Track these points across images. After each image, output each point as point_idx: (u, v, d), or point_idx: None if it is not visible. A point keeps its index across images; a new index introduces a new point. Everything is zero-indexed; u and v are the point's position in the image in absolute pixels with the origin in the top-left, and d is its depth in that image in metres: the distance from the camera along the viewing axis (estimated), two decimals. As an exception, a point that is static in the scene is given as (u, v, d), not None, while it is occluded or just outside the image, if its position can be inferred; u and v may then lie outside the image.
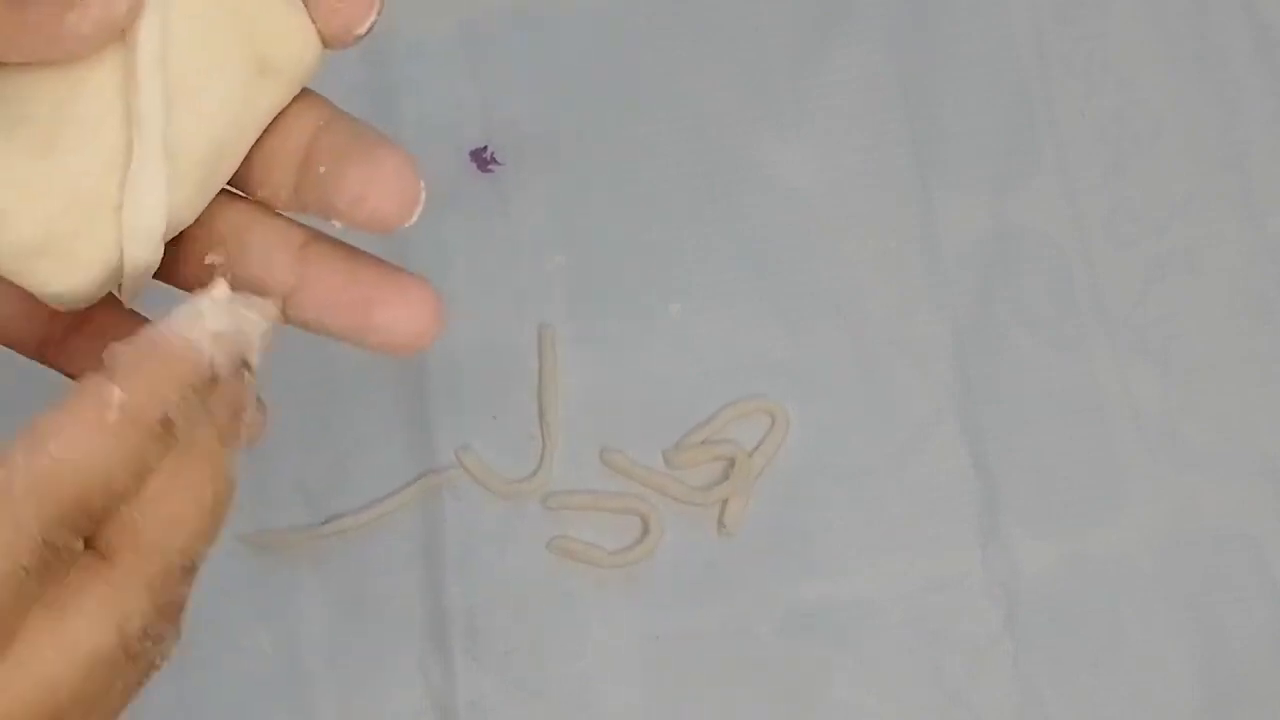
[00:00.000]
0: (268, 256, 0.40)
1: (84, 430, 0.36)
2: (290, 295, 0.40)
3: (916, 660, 0.66)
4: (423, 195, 0.38)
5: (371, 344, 0.39)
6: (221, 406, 0.37)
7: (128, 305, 0.40)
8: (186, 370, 0.36)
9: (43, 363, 0.42)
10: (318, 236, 0.40)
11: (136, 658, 0.37)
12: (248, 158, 0.39)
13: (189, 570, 0.37)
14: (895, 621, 0.66)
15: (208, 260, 0.40)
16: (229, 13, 0.37)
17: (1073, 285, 0.69)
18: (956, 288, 0.69)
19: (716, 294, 0.69)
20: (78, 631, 0.36)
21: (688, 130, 0.70)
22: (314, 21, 0.38)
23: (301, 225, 0.40)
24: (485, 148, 0.69)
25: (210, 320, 0.37)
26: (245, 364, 0.38)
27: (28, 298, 0.39)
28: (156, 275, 0.40)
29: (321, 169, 0.38)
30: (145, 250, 0.38)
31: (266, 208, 0.40)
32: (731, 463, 0.66)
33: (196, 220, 0.39)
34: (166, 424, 0.36)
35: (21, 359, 0.44)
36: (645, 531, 0.66)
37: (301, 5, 0.38)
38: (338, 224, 0.38)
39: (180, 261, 0.40)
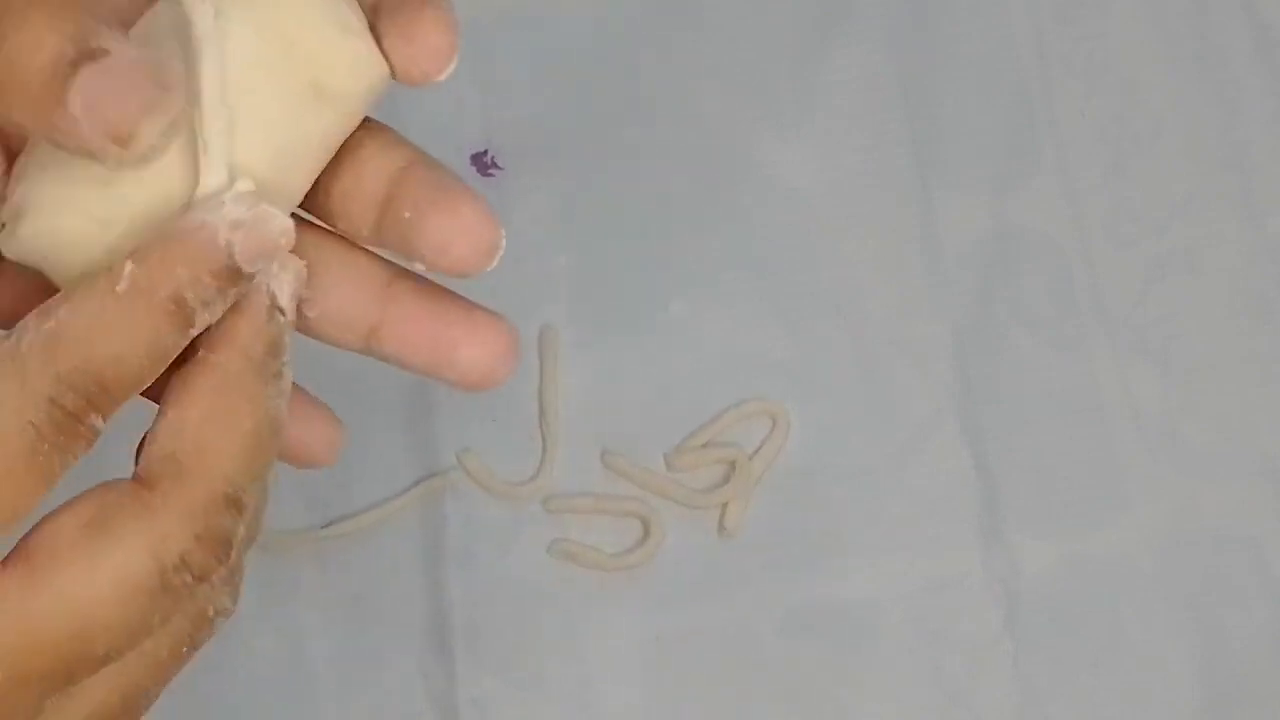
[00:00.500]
0: (353, 291, 0.41)
1: (92, 297, 0.36)
2: (373, 330, 0.41)
3: (916, 660, 0.66)
4: (503, 243, 0.39)
5: (449, 380, 0.41)
6: (256, 342, 0.38)
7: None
8: (199, 249, 0.37)
9: None
10: (402, 274, 0.41)
11: (176, 593, 0.37)
12: (326, 191, 0.40)
13: (233, 502, 0.37)
14: (895, 621, 0.66)
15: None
16: (283, 39, 0.38)
17: (1073, 285, 0.69)
18: (956, 288, 0.69)
19: (716, 294, 0.69)
20: (112, 550, 0.36)
21: (688, 130, 0.70)
22: (391, 62, 0.39)
23: (385, 262, 0.41)
24: (485, 151, 0.69)
25: (230, 209, 0.37)
26: (278, 307, 0.38)
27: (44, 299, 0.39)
28: None
29: (406, 214, 0.39)
30: None
31: (350, 242, 0.41)
32: (732, 465, 0.66)
33: None
34: (180, 303, 0.37)
35: None
36: (646, 534, 0.66)
37: (362, 30, 0.39)
38: (419, 267, 0.40)
39: None
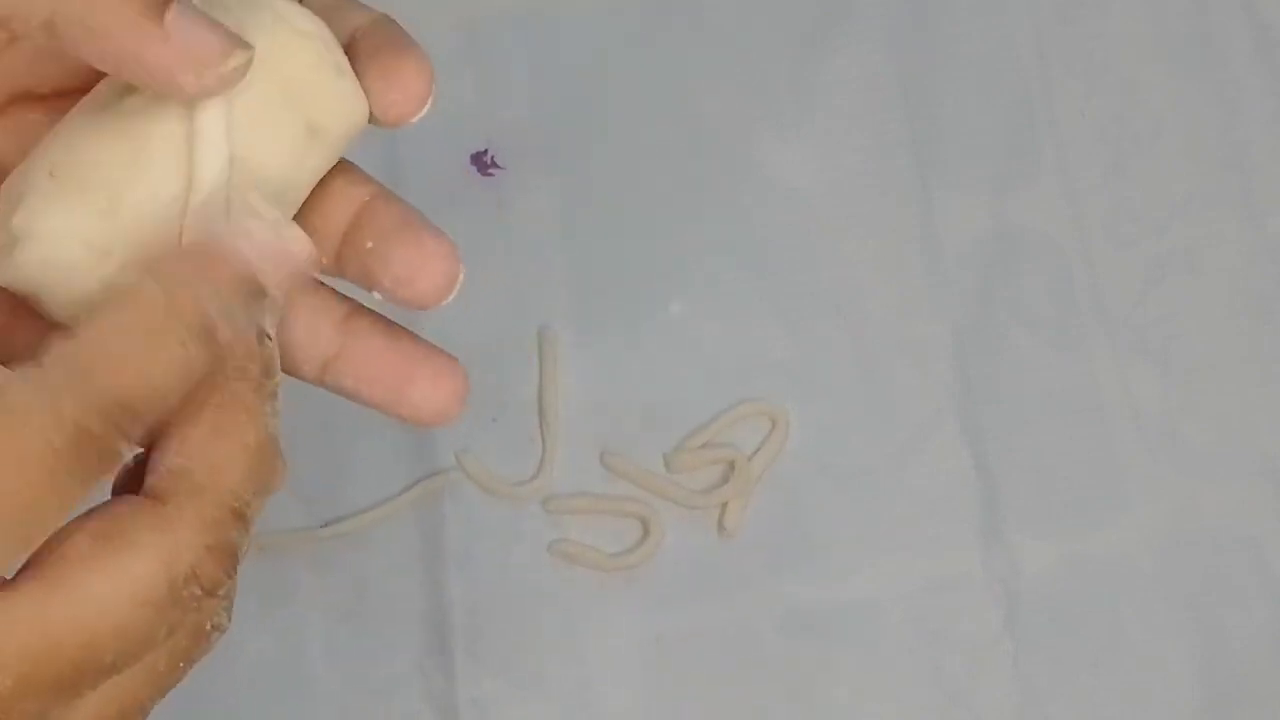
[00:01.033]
0: (312, 322, 0.42)
1: (118, 318, 0.37)
2: (329, 362, 0.42)
3: (916, 660, 0.66)
4: (461, 279, 0.41)
5: (401, 415, 0.42)
6: (252, 363, 0.38)
7: None
8: (227, 272, 0.38)
9: None
10: (359, 310, 0.42)
11: (183, 605, 0.37)
12: (297, 222, 0.41)
13: (240, 516, 0.38)
14: (895, 621, 0.66)
15: None
16: (283, 79, 0.39)
17: (1073, 285, 0.69)
18: (956, 288, 0.69)
19: (716, 294, 0.69)
20: (126, 561, 0.36)
21: (688, 130, 0.70)
22: (368, 101, 0.40)
23: (344, 297, 0.42)
24: (485, 151, 0.69)
25: (256, 232, 0.38)
26: (264, 333, 0.39)
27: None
28: None
29: (369, 244, 0.41)
30: None
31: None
32: (732, 466, 0.66)
33: None
34: (207, 325, 0.37)
35: None
36: (646, 534, 0.66)
37: (349, 71, 0.40)
38: (377, 296, 0.41)
39: None
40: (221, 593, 0.38)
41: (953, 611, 0.66)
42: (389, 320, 0.42)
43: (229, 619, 0.40)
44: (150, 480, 0.38)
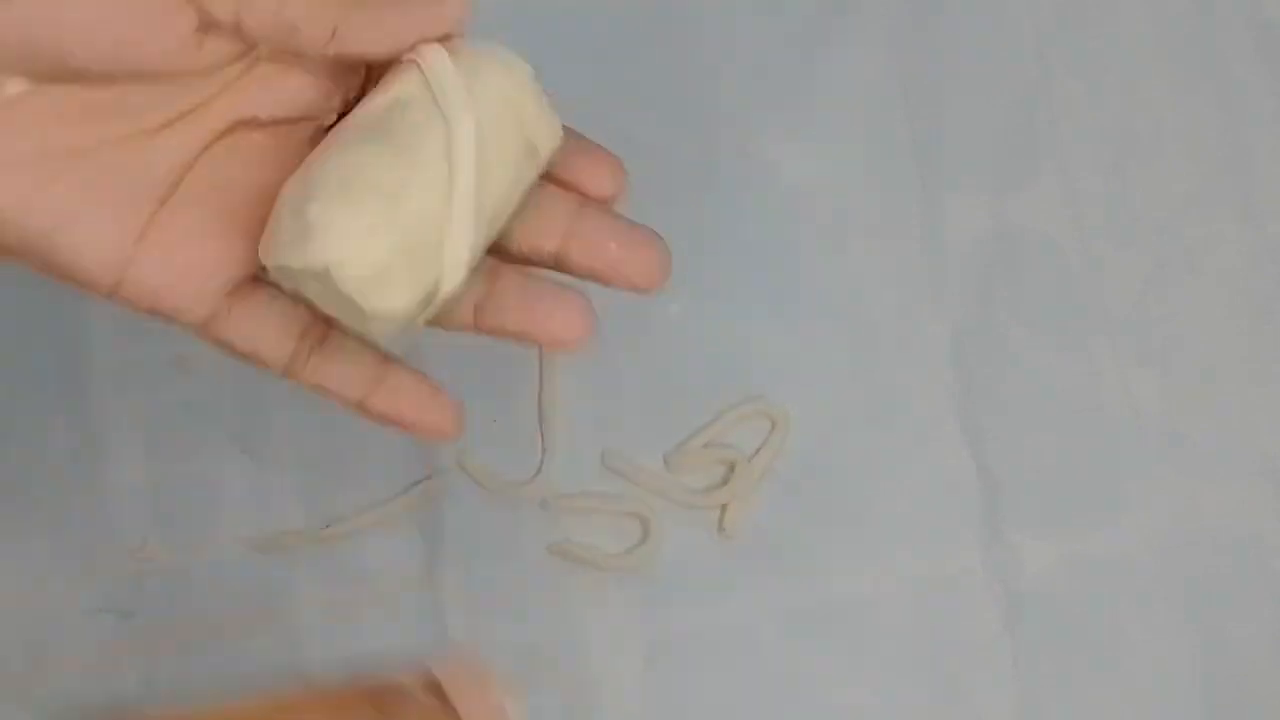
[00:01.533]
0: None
1: None
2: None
3: (916, 660, 0.66)
4: (670, 265, 0.51)
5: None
6: None
7: (420, 326, 0.49)
8: None
9: (288, 378, 0.51)
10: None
11: None
12: (522, 224, 0.51)
13: None
14: (895, 621, 0.66)
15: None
16: (513, 107, 0.49)
17: (1073, 286, 0.69)
18: (956, 288, 0.69)
19: (716, 294, 0.69)
20: None
21: (688, 129, 0.70)
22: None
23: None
24: (485, 151, 0.69)
25: None
26: None
27: (282, 322, 0.49)
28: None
29: (584, 240, 0.50)
30: (454, 281, 0.48)
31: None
32: (732, 466, 0.66)
33: None
34: None
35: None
36: (646, 534, 0.66)
37: (550, 104, 0.50)
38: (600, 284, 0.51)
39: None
40: None
41: (953, 611, 0.66)
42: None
43: None
44: None
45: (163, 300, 0.48)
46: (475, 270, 0.49)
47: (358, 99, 0.50)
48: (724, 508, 0.66)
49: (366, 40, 0.47)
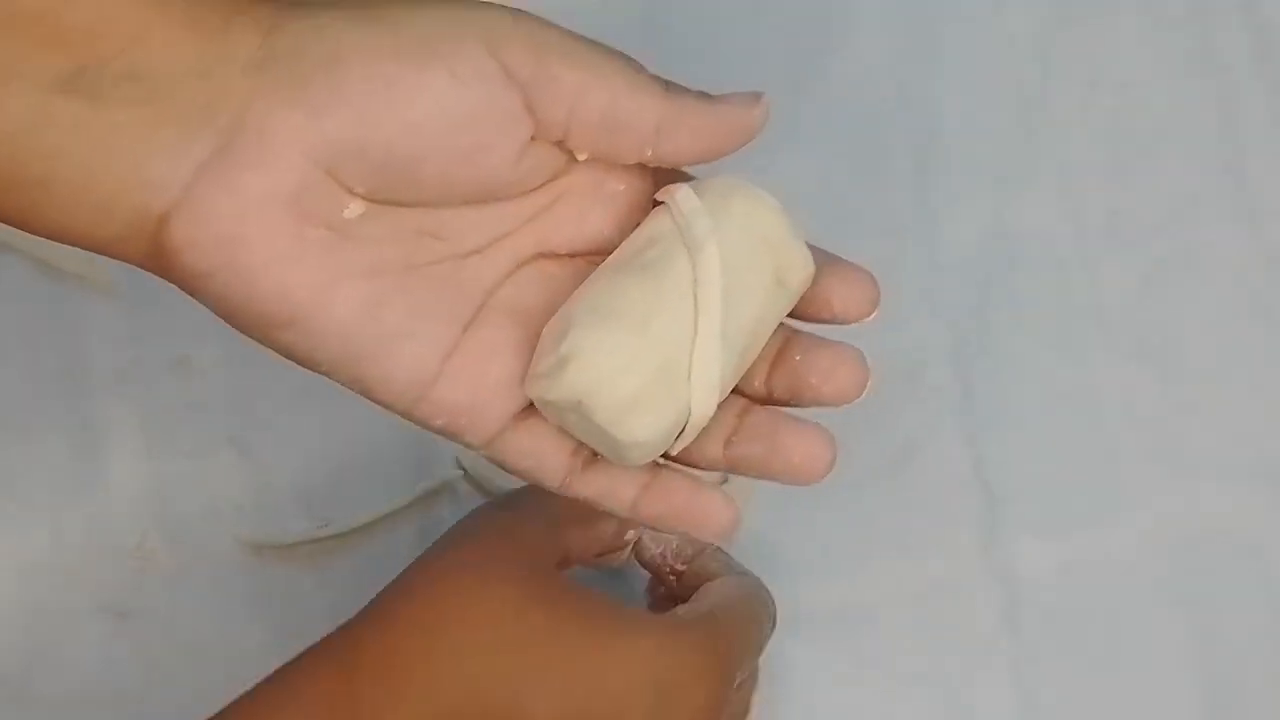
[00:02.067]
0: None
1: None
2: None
3: (916, 660, 0.66)
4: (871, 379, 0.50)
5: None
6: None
7: (674, 453, 0.49)
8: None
9: (562, 492, 0.50)
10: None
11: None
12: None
13: None
14: (895, 623, 0.66)
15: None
16: (760, 239, 0.49)
17: (1072, 286, 0.69)
18: (956, 289, 0.69)
19: (716, 295, 0.68)
20: None
21: (687, 130, 0.70)
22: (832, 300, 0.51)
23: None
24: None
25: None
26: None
27: (558, 442, 0.49)
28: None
29: (797, 357, 0.50)
30: (705, 408, 0.48)
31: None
32: (732, 467, 0.66)
33: None
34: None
35: None
36: (646, 535, 0.66)
37: (803, 238, 0.50)
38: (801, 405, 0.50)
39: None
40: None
41: (953, 612, 0.66)
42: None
43: None
44: None
45: (457, 419, 0.49)
46: (725, 407, 0.49)
47: None
48: (725, 508, 0.66)
49: (683, 143, 0.48)
